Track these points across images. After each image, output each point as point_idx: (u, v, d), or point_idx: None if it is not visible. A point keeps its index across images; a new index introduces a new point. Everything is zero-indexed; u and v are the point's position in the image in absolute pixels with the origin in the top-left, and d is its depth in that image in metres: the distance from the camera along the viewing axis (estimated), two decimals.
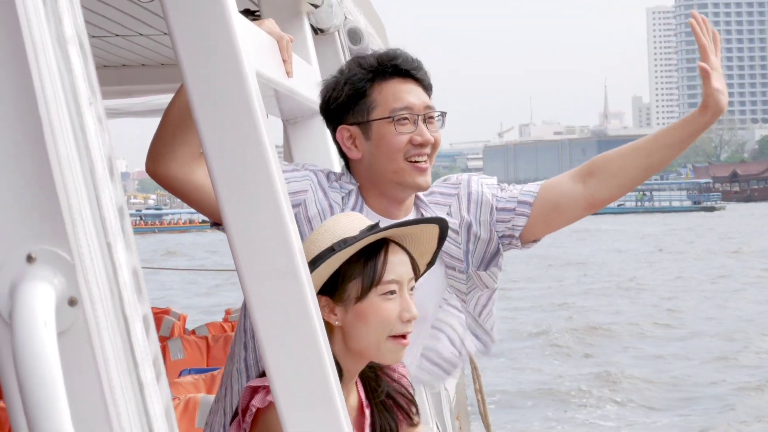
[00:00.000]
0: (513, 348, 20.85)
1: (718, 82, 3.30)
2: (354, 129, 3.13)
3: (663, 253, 48.58)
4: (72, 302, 1.22)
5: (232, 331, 7.27)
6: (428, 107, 3.16)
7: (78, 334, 1.22)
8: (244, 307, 3.18)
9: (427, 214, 3.26)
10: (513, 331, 22.93)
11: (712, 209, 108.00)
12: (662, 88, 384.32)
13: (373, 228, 2.66)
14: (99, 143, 1.27)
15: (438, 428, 4.23)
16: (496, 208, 3.32)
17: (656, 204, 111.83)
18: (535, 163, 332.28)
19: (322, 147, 3.73)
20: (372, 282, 2.62)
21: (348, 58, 4.29)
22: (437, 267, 3.24)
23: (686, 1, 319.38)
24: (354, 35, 4.38)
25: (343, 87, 3.15)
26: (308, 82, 3.33)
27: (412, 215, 3.26)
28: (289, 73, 2.92)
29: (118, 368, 1.23)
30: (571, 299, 28.84)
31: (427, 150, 3.13)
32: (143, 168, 2.89)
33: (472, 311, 3.43)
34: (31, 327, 1.16)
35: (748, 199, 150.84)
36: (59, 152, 1.21)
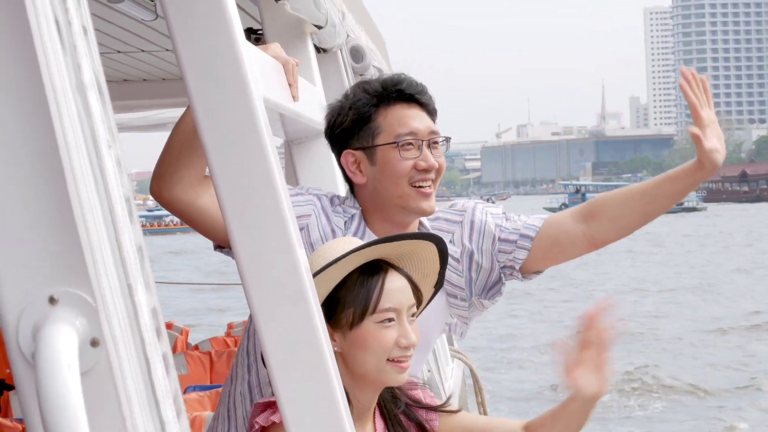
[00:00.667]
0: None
1: (713, 138, 3.23)
2: (359, 154, 3.14)
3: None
4: (94, 343, 1.24)
5: (235, 346, 7.24)
6: (432, 132, 3.16)
7: (100, 375, 1.24)
8: (248, 329, 3.20)
9: None
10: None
11: (693, 210, 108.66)
12: (660, 89, 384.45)
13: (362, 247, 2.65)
14: (118, 185, 1.30)
15: None
16: (499, 238, 3.31)
17: None
18: (533, 164, 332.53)
19: (327, 167, 3.75)
20: (364, 310, 2.61)
21: (350, 75, 4.32)
22: (439, 297, 3.26)
23: (683, 1, 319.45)
24: (356, 53, 4.41)
25: (348, 112, 3.15)
26: (313, 104, 3.35)
27: None
28: (295, 98, 2.93)
29: (141, 407, 1.26)
30: None
31: (432, 175, 3.13)
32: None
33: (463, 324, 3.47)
34: (55, 368, 1.19)
35: (757, 198, 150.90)
36: (80, 196, 1.23)
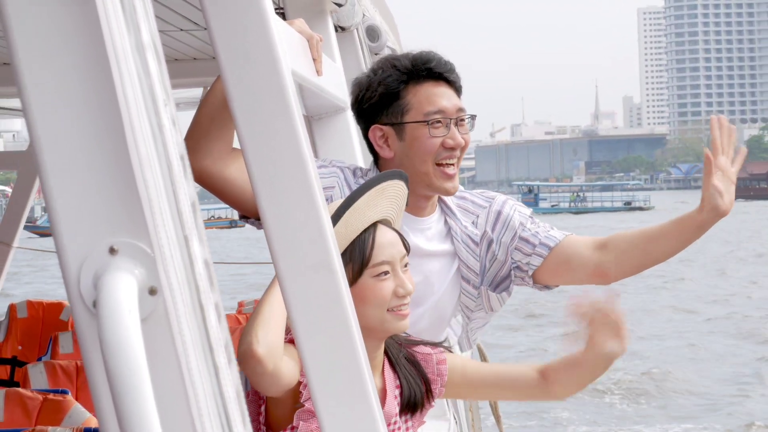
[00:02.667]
0: None
1: (721, 182, 3.23)
2: (387, 129, 3.22)
3: None
4: (152, 291, 1.30)
5: (246, 323, 7.32)
6: (460, 110, 3.25)
7: (158, 322, 1.30)
8: None
9: (450, 220, 3.35)
10: None
11: (640, 209, 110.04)
12: (653, 89, 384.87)
13: (347, 204, 2.72)
14: (174, 142, 1.35)
15: (455, 419, 4.32)
16: (520, 236, 3.38)
17: (589, 205, 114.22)
18: (527, 163, 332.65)
19: (347, 143, 3.81)
20: (362, 266, 2.72)
21: (367, 55, 4.39)
22: (455, 276, 3.33)
23: (677, 1, 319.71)
24: (372, 32, 4.48)
25: (377, 87, 3.23)
26: (334, 80, 3.42)
27: (436, 214, 3.35)
28: (319, 72, 3.00)
29: (196, 353, 1.31)
30: None
31: (457, 153, 3.22)
32: None
33: (467, 327, 3.52)
34: (117, 314, 1.24)
35: None
36: (140, 151, 1.29)
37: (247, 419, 1.39)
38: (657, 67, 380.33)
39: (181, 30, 4.52)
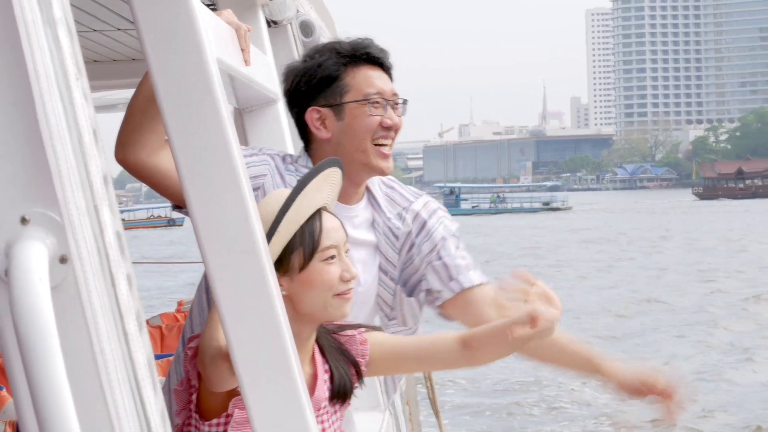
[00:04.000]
0: None
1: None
2: (325, 110, 3.29)
3: None
4: (63, 260, 1.33)
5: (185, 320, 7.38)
6: (395, 94, 3.37)
7: (68, 289, 1.33)
8: (200, 291, 3.31)
9: (375, 212, 3.41)
10: None
11: (558, 209, 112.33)
12: (600, 89, 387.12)
13: (299, 188, 2.76)
14: (86, 115, 1.39)
15: (390, 413, 4.35)
16: (440, 256, 3.44)
17: (508, 206, 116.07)
18: (474, 163, 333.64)
19: (278, 134, 3.85)
20: (312, 250, 2.75)
21: (300, 50, 4.43)
22: (377, 269, 3.39)
23: (624, 3, 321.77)
24: (306, 28, 4.53)
25: (316, 70, 3.31)
26: (264, 72, 3.46)
27: (363, 203, 3.41)
28: (247, 62, 3.06)
29: (105, 320, 1.35)
30: None
31: (393, 134, 3.32)
32: None
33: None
34: (28, 282, 1.27)
35: (753, 195, 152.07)
36: (50, 123, 1.32)
37: (158, 385, 1.42)
38: (604, 68, 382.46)
39: (119, 29, 4.53)
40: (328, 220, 2.81)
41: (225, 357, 2.48)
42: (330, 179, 2.85)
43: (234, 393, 2.70)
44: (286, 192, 2.76)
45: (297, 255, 2.75)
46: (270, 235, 2.69)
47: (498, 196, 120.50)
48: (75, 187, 1.34)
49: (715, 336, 22.02)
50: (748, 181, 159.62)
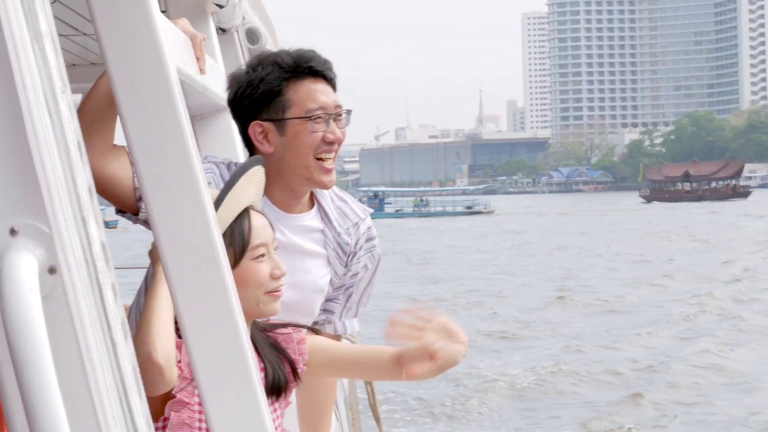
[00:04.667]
0: None
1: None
2: (267, 125, 3.30)
3: None
4: (51, 270, 1.35)
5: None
6: (338, 106, 3.36)
7: (57, 299, 1.35)
8: (140, 295, 3.34)
9: (326, 227, 3.46)
10: None
11: (480, 213, 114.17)
12: (536, 93, 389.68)
13: (228, 188, 2.79)
14: (72, 128, 1.41)
15: (336, 416, 4.38)
16: (359, 281, 3.57)
17: (432, 209, 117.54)
18: (411, 166, 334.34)
19: (229, 142, 3.87)
20: (243, 248, 2.79)
21: (246, 56, 4.46)
22: (325, 282, 3.45)
23: (559, 7, 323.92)
24: (252, 35, 4.56)
25: (259, 84, 3.31)
26: (216, 79, 3.48)
27: (312, 215, 3.46)
28: (202, 70, 3.08)
29: (94, 329, 1.37)
30: None
31: (335, 147, 3.35)
32: None
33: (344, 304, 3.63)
34: (19, 292, 1.29)
35: (699, 198, 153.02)
36: (38, 136, 1.34)
37: (143, 392, 1.45)
38: (540, 72, 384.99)
39: (84, 34, 4.52)
40: (256, 218, 2.85)
41: (155, 361, 2.51)
42: (255, 178, 2.88)
43: (169, 396, 2.72)
44: (215, 192, 2.79)
45: (228, 254, 2.76)
46: None
47: (421, 200, 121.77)
48: (63, 199, 1.36)
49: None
50: (695, 184, 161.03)
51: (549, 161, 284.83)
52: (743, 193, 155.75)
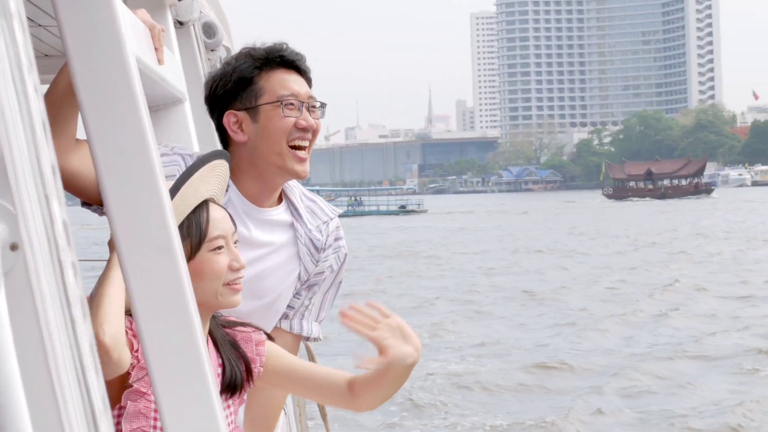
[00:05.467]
0: None
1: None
2: (241, 114, 3.33)
3: None
4: (13, 247, 1.36)
5: None
6: (311, 97, 3.40)
7: (19, 276, 1.37)
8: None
9: (297, 222, 3.46)
10: None
11: (413, 212, 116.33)
12: (485, 93, 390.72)
13: (184, 178, 2.79)
14: (38, 107, 1.43)
15: (284, 412, 4.40)
16: (324, 280, 3.56)
17: (365, 208, 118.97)
18: (361, 166, 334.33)
19: (184, 134, 3.87)
20: (200, 240, 2.79)
21: (203, 50, 4.47)
22: (294, 278, 3.46)
23: (508, 8, 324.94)
24: (208, 29, 4.58)
25: (232, 74, 3.36)
26: (174, 71, 3.49)
27: (281, 210, 3.46)
28: (160, 61, 3.09)
29: (54, 306, 1.39)
30: None
31: (309, 136, 3.35)
32: None
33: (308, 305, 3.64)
34: None
35: (662, 196, 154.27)
36: (5, 114, 1.36)
37: (100, 371, 1.47)
38: (489, 72, 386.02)
39: (39, 26, 4.51)
40: (215, 210, 2.84)
41: (101, 342, 2.48)
42: (217, 171, 2.88)
43: (126, 385, 2.73)
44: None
45: (185, 246, 2.74)
46: None
47: (355, 200, 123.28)
48: (27, 177, 1.38)
49: None
50: (657, 182, 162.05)
51: (498, 161, 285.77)
52: (706, 190, 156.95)
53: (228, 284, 2.83)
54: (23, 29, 1.41)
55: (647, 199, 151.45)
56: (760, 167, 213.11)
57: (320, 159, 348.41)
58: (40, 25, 3.78)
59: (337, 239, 3.55)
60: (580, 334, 22.09)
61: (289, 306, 3.51)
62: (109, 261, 2.65)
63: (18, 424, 1.30)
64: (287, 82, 3.37)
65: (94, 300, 2.56)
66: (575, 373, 17.95)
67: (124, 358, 2.58)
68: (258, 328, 2.99)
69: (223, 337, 2.94)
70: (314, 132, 3.38)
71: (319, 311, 3.58)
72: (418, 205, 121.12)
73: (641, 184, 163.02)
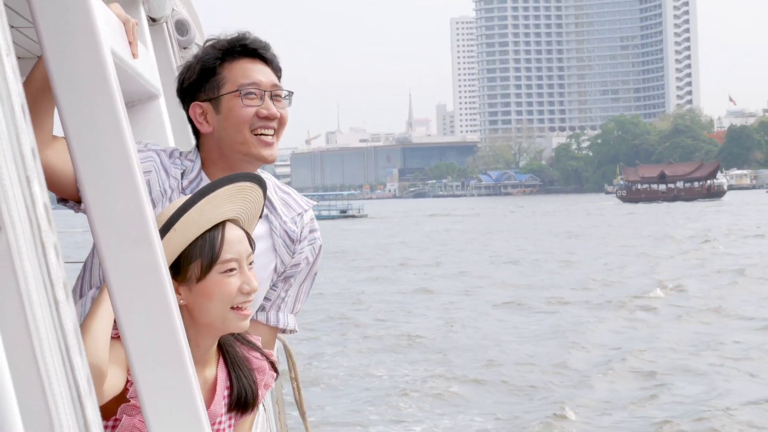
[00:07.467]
0: None
1: None
2: (205, 105, 3.33)
3: None
4: None
5: None
6: (275, 85, 3.37)
7: (2, 257, 1.37)
8: (79, 279, 3.34)
9: (271, 215, 3.45)
10: None
11: (354, 217, 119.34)
12: (465, 97, 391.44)
13: (205, 192, 2.77)
14: (16, 90, 1.43)
15: (264, 409, 4.41)
16: (299, 273, 3.54)
17: None
18: (342, 170, 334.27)
19: (160, 130, 3.88)
20: (211, 261, 2.75)
21: (175, 47, 4.48)
22: (272, 271, 3.46)
23: (487, 13, 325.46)
24: (181, 27, 4.59)
25: (196, 66, 3.35)
26: (148, 66, 3.50)
27: None
28: (135, 55, 3.09)
29: (37, 287, 1.39)
30: None
31: (273, 124, 3.33)
32: None
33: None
34: None
35: (675, 198, 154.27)
36: None
37: (84, 352, 1.47)
38: (469, 76, 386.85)
39: (12, 27, 4.51)
40: (231, 231, 2.80)
41: (99, 375, 2.48)
42: (245, 193, 2.84)
43: (123, 399, 2.72)
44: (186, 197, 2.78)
45: (195, 265, 2.74)
46: (165, 230, 2.71)
47: None
48: (8, 159, 1.38)
49: None
50: (670, 185, 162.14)
51: (478, 165, 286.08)
52: (718, 192, 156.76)
53: (236, 308, 2.80)
54: (0, 14, 1.42)
55: (660, 201, 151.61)
56: (735, 171, 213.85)
57: (301, 163, 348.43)
58: (13, 27, 3.78)
59: (312, 231, 3.54)
60: None
61: (265, 298, 3.50)
62: (99, 295, 2.62)
63: (3, 406, 1.31)
64: (249, 71, 3.35)
65: (84, 323, 2.54)
66: None
67: (109, 386, 2.57)
68: (273, 367, 3.00)
69: (236, 355, 2.93)
70: (280, 121, 3.36)
71: (295, 303, 3.57)
72: (359, 210, 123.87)
73: (654, 187, 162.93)
